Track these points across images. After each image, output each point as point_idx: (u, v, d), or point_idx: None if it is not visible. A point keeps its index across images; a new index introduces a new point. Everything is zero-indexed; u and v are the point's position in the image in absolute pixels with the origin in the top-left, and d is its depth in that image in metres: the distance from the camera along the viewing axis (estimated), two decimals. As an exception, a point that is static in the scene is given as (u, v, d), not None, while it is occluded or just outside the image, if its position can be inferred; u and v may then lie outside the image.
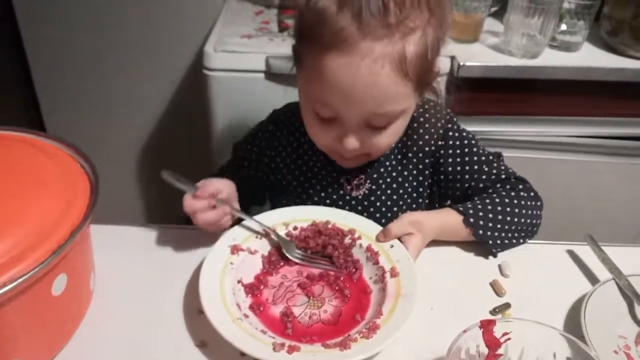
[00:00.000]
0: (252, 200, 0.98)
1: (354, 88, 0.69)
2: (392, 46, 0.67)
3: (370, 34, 0.65)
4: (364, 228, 0.78)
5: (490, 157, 0.90)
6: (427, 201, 0.95)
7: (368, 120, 0.74)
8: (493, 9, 1.47)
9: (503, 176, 0.87)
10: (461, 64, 1.26)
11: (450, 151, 0.89)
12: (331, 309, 0.69)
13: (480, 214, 0.79)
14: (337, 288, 0.72)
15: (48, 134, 0.72)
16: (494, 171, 0.88)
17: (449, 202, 0.94)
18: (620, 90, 1.33)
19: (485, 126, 1.38)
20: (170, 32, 1.62)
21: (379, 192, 0.90)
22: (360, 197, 0.89)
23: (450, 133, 0.90)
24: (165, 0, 1.58)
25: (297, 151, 0.93)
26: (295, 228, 0.78)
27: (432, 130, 0.89)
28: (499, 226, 0.79)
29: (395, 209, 0.91)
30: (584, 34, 1.35)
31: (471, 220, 0.79)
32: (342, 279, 0.73)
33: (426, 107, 0.89)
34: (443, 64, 1.28)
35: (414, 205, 0.93)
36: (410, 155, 0.90)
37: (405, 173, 0.91)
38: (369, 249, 0.75)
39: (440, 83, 1.29)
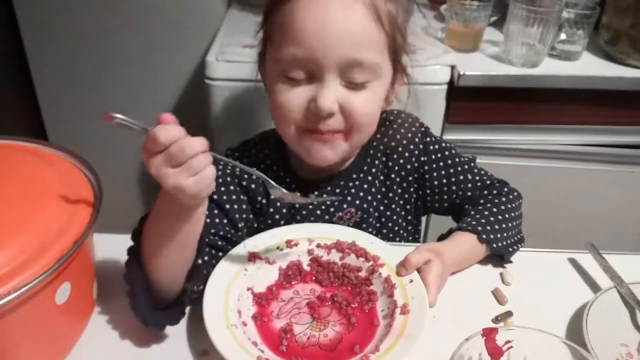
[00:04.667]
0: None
1: (327, 27, 0.67)
2: None
3: None
4: (388, 257, 0.75)
5: (471, 164, 0.90)
6: (415, 215, 0.93)
7: (343, 71, 0.70)
8: (493, 19, 1.48)
9: (487, 182, 0.89)
10: (461, 73, 1.26)
11: (434, 165, 0.88)
12: (332, 335, 0.67)
13: (489, 227, 0.79)
14: (344, 314, 0.69)
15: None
16: (477, 177, 0.89)
17: (431, 213, 0.95)
18: (620, 98, 1.33)
19: (485, 135, 1.38)
20: (172, 42, 1.63)
21: (370, 219, 0.88)
22: (351, 226, 0.86)
23: (431, 147, 0.88)
24: (167, 10, 1.59)
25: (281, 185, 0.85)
26: (319, 245, 0.77)
27: (411, 146, 0.87)
28: (505, 234, 0.80)
29: (386, 231, 0.90)
30: (583, 43, 1.36)
31: (484, 236, 0.78)
32: (353, 306, 0.70)
33: (399, 119, 0.88)
34: (443, 73, 1.29)
35: (404, 224, 0.92)
36: (393, 176, 0.88)
37: (391, 195, 0.89)
38: (387, 280, 0.72)
39: (439, 92, 1.31)
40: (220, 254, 0.74)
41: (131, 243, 0.66)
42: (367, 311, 0.70)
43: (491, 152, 1.40)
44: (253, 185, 0.82)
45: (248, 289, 0.71)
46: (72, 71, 1.69)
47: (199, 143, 0.56)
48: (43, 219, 0.58)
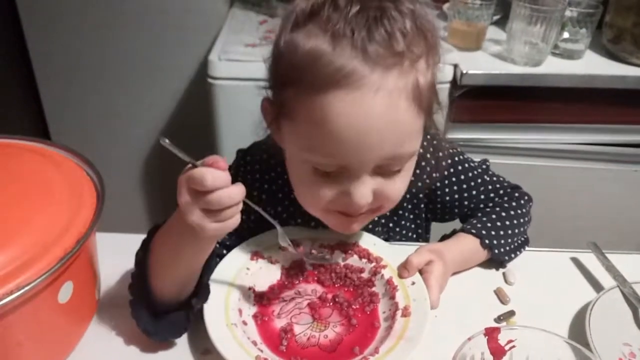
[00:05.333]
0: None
1: (369, 128, 0.58)
2: (405, 75, 0.58)
3: (379, 64, 0.57)
4: (390, 258, 0.74)
5: (481, 171, 0.86)
6: (425, 227, 0.91)
7: (381, 165, 0.63)
8: (495, 18, 1.48)
9: (500, 191, 0.86)
10: (464, 72, 1.26)
11: (446, 181, 0.83)
12: (332, 335, 0.66)
13: (493, 232, 0.78)
14: (345, 315, 0.69)
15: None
16: (490, 187, 0.86)
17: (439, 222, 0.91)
18: (623, 97, 1.33)
19: (488, 134, 1.38)
20: (174, 41, 1.63)
21: (382, 236, 0.82)
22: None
23: (443, 163, 0.81)
24: (170, 10, 1.60)
25: (288, 197, 0.81)
26: (322, 245, 0.77)
27: (437, 167, 0.81)
28: (509, 240, 0.79)
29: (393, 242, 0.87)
30: (586, 42, 1.36)
31: (487, 241, 0.77)
32: (354, 307, 0.70)
33: (434, 144, 0.80)
34: (446, 72, 1.29)
35: (414, 236, 0.89)
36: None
37: (400, 211, 0.85)
38: (389, 281, 0.72)
39: (442, 91, 1.30)
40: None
41: (135, 243, 0.65)
42: (368, 313, 0.70)
43: (494, 151, 1.39)
44: (264, 196, 0.80)
45: (249, 288, 0.71)
46: (75, 71, 1.69)
47: (238, 195, 0.55)
48: (46, 218, 0.58)
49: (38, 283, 0.52)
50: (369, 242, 0.77)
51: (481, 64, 1.31)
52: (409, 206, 0.86)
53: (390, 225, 0.86)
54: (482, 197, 0.86)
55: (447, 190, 0.84)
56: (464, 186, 0.84)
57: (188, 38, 1.62)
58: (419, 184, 0.80)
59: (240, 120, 1.27)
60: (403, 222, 0.86)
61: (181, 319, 0.64)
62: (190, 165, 0.55)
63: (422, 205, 0.87)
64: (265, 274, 0.73)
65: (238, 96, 1.26)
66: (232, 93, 1.27)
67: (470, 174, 0.84)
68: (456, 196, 0.84)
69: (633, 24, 1.32)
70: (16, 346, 0.56)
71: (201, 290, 0.65)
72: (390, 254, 0.75)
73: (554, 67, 1.32)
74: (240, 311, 0.67)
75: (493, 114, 1.36)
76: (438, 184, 0.83)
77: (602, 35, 1.40)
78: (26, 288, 0.51)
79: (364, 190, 0.63)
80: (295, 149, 0.66)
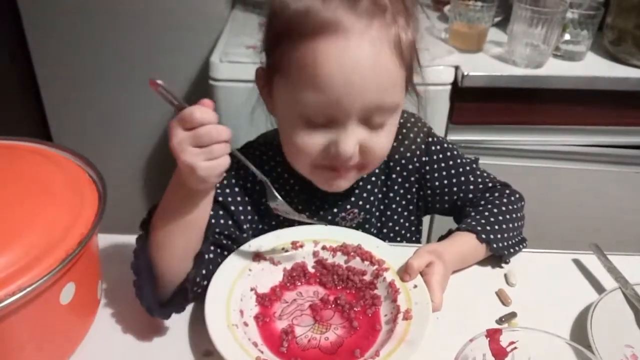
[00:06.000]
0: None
1: (355, 72, 0.64)
2: (387, 26, 0.65)
3: (364, 13, 0.63)
4: (393, 261, 0.74)
5: (473, 165, 0.89)
6: (417, 215, 0.93)
7: (365, 116, 0.68)
8: (496, 19, 1.48)
9: (490, 184, 0.88)
10: (465, 73, 1.26)
11: (435, 166, 0.87)
12: (333, 338, 0.66)
13: (488, 227, 0.79)
14: (347, 318, 0.69)
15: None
16: (479, 179, 0.88)
17: (432, 214, 0.94)
18: (624, 99, 1.33)
19: (490, 135, 1.38)
20: (176, 43, 1.64)
21: (372, 219, 0.88)
22: (354, 225, 0.86)
23: (433, 147, 0.87)
24: (171, 12, 1.60)
25: (285, 187, 0.85)
26: (324, 247, 0.77)
27: (413, 146, 0.86)
28: (505, 235, 0.80)
29: (387, 230, 0.90)
30: (588, 44, 1.36)
31: (483, 236, 0.78)
32: (356, 309, 0.70)
33: (403, 120, 0.85)
34: (447, 74, 1.29)
35: (406, 224, 0.91)
36: (394, 176, 0.87)
37: (392, 194, 0.88)
38: (391, 284, 0.71)
39: (443, 93, 1.31)
40: (226, 252, 0.75)
41: (138, 234, 0.67)
42: (370, 315, 0.69)
43: (495, 153, 1.40)
44: (258, 187, 0.82)
45: (251, 289, 0.71)
46: (77, 72, 1.70)
47: (226, 132, 0.59)
48: (48, 219, 0.58)
49: (40, 284, 0.52)
50: (372, 244, 0.77)
51: (482, 66, 1.32)
52: (400, 190, 0.88)
53: (382, 208, 0.88)
54: (472, 187, 0.88)
55: (436, 175, 0.87)
56: (452, 171, 0.87)
57: (189, 40, 1.62)
58: (401, 149, 0.85)
59: (242, 122, 1.27)
60: (394, 206, 0.88)
61: (182, 294, 0.66)
62: (180, 109, 0.58)
63: (413, 190, 0.89)
64: (267, 275, 0.73)
65: (239, 98, 1.25)
66: (234, 95, 1.27)
67: (459, 161, 0.88)
68: (445, 181, 0.87)
69: (634, 26, 1.32)
70: (18, 347, 0.56)
71: (197, 259, 0.67)
72: (392, 256, 0.75)
73: (555, 69, 1.32)
74: (241, 312, 0.67)
75: (494, 116, 1.36)
76: (427, 168, 0.87)
77: (603, 37, 1.41)
78: (28, 289, 0.51)
79: (350, 139, 0.68)
80: (286, 105, 0.71)
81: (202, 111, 0.58)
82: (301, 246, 0.76)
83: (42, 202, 0.60)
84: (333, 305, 0.71)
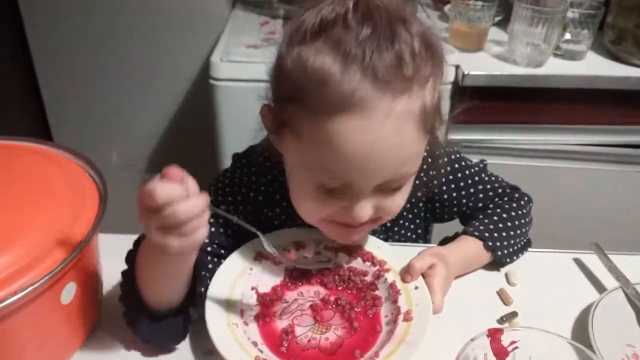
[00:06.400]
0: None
1: (375, 153, 0.58)
2: (414, 100, 0.58)
3: (389, 90, 0.56)
4: (394, 262, 0.74)
5: (482, 175, 0.86)
6: (425, 227, 0.91)
7: (382, 185, 0.63)
8: (497, 19, 1.48)
9: (499, 190, 0.86)
10: (466, 72, 1.26)
11: (444, 180, 0.83)
12: (333, 338, 0.66)
13: (496, 234, 0.78)
14: (347, 318, 0.69)
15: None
16: (488, 186, 0.86)
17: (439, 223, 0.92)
18: (625, 98, 1.33)
19: (490, 135, 1.38)
20: (176, 43, 1.64)
21: (381, 236, 0.83)
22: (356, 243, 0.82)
23: (440, 161, 0.82)
24: (172, 11, 1.60)
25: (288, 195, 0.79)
26: (326, 247, 0.77)
27: (435, 175, 0.81)
28: (512, 242, 0.79)
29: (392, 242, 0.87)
30: (588, 43, 1.36)
31: (490, 244, 0.77)
32: (356, 310, 0.70)
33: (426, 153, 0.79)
34: (447, 73, 1.29)
35: (413, 236, 0.89)
36: None
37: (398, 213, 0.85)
38: (392, 285, 0.71)
39: (444, 92, 1.30)
40: (222, 260, 0.73)
41: (123, 269, 0.65)
42: (370, 316, 0.69)
43: (495, 152, 1.39)
44: (261, 198, 0.79)
45: (252, 289, 0.71)
46: (77, 72, 1.70)
47: (196, 207, 0.51)
48: (48, 219, 0.58)
49: (41, 284, 0.52)
50: (374, 245, 0.77)
51: (483, 65, 1.31)
52: (407, 205, 0.85)
53: (388, 224, 0.85)
54: (481, 195, 0.86)
55: (444, 189, 0.84)
56: (462, 184, 0.84)
57: (190, 39, 1.62)
58: (419, 193, 0.81)
59: (242, 122, 1.27)
60: (401, 222, 0.86)
61: (179, 325, 0.64)
62: (145, 180, 0.50)
63: (421, 205, 0.87)
64: (268, 275, 0.73)
65: (240, 97, 1.26)
66: (234, 94, 1.27)
67: (467, 172, 0.84)
68: (454, 194, 0.85)
69: (635, 25, 1.32)
70: (19, 347, 0.56)
71: (196, 300, 0.64)
72: (394, 257, 0.75)
73: (555, 68, 1.32)
74: (242, 311, 0.67)
75: (494, 115, 1.36)
76: (434, 181, 0.83)
77: (603, 36, 1.40)
78: (29, 289, 0.51)
79: (365, 206, 0.64)
80: (297, 163, 0.66)
81: (164, 190, 0.49)
82: (303, 246, 0.76)
83: (42, 202, 0.60)
84: (334, 306, 0.71)
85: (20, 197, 0.60)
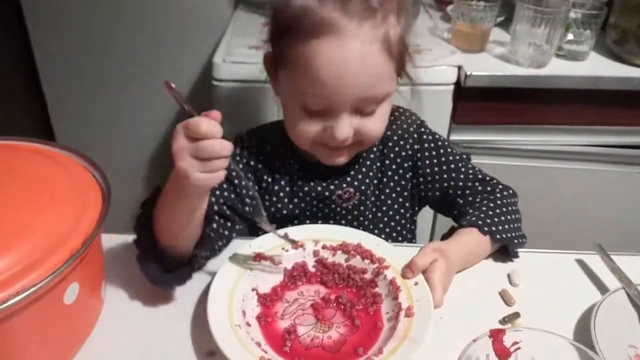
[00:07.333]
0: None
1: (346, 69, 0.71)
2: (377, 27, 0.72)
3: (356, 16, 0.70)
4: (393, 259, 0.75)
5: (464, 160, 0.92)
6: (411, 205, 0.95)
7: (357, 106, 0.75)
8: (499, 19, 1.47)
9: (479, 176, 0.91)
10: (468, 73, 1.26)
11: (427, 153, 0.91)
12: (336, 336, 0.67)
13: (488, 220, 0.80)
14: (349, 316, 0.69)
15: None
16: (470, 171, 0.91)
17: (427, 205, 0.98)
18: (628, 99, 1.33)
19: (493, 135, 1.38)
20: (178, 44, 1.64)
21: (368, 202, 0.91)
22: (350, 207, 0.90)
23: (424, 136, 0.92)
24: (174, 12, 1.60)
25: (285, 165, 0.91)
26: (324, 247, 0.78)
27: (406, 135, 0.91)
28: (507, 226, 0.81)
29: (382, 215, 0.93)
30: (591, 44, 1.35)
31: (485, 228, 0.79)
32: (357, 307, 0.70)
33: (397, 113, 0.92)
34: (450, 74, 1.29)
35: (401, 210, 0.93)
36: (388, 162, 0.91)
37: (385, 180, 0.92)
38: (392, 282, 0.72)
39: (446, 93, 1.31)
40: (229, 223, 0.80)
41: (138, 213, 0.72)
42: (371, 313, 0.70)
43: (498, 153, 1.39)
44: (260, 165, 0.89)
45: (253, 290, 0.71)
46: (80, 72, 1.70)
47: (227, 149, 0.61)
48: (51, 219, 0.58)
49: (44, 284, 0.52)
50: (372, 242, 0.78)
51: (485, 66, 1.31)
52: (395, 177, 0.92)
53: (377, 193, 0.92)
54: (462, 176, 0.90)
55: (427, 162, 0.91)
56: (443, 159, 0.91)
57: (192, 40, 1.62)
58: (395, 137, 0.91)
59: (244, 122, 1.28)
60: (388, 191, 0.92)
61: (185, 272, 0.70)
62: (189, 115, 0.60)
63: (407, 177, 0.92)
64: (268, 275, 0.74)
65: (242, 98, 1.26)
66: (236, 95, 1.27)
67: (449, 150, 0.92)
68: (436, 169, 0.91)
69: (638, 26, 1.32)
70: (22, 347, 0.56)
71: (203, 240, 0.72)
72: (393, 254, 0.76)
73: (558, 68, 1.32)
74: (243, 312, 0.67)
75: (497, 116, 1.36)
76: (419, 155, 0.91)
77: (606, 37, 1.40)
78: (32, 289, 0.51)
79: (344, 125, 0.75)
80: (288, 92, 0.79)
81: (208, 124, 0.59)
82: (301, 245, 0.77)
83: (45, 202, 0.60)
84: (334, 304, 0.71)
85: (23, 198, 0.60)
